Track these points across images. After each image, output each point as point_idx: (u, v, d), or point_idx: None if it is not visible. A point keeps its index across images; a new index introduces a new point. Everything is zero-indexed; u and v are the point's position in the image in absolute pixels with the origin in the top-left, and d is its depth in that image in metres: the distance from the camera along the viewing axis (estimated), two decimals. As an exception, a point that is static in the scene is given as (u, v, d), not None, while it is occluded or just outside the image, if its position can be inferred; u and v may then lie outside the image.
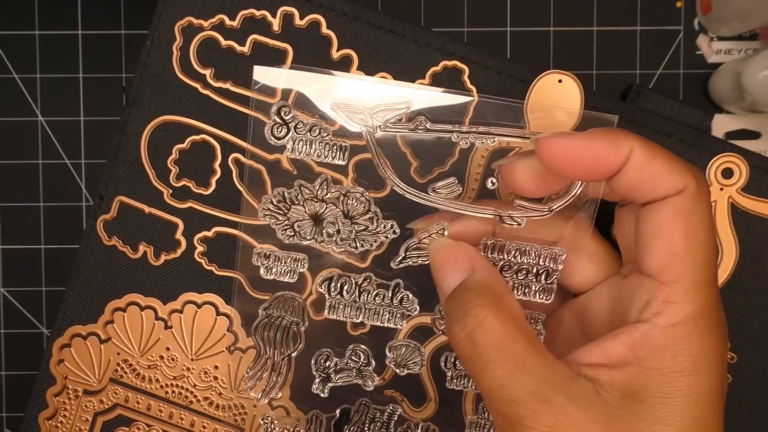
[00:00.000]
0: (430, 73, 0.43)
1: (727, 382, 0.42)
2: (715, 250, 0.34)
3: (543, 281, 0.40)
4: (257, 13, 0.43)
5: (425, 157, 0.43)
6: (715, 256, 0.34)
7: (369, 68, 0.43)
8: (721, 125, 0.61)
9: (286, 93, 0.43)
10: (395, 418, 0.44)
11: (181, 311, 0.45)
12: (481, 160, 0.43)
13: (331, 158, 0.42)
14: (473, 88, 0.43)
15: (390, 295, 0.43)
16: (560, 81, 0.42)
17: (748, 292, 0.42)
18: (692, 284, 0.32)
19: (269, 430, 0.45)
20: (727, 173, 0.42)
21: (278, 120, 0.42)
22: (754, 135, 0.61)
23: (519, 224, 0.39)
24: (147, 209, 0.44)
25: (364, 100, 0.42)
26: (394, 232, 0.42)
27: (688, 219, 0.33)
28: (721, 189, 0.42)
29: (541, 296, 0.40)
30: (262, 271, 0.43)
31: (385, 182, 0.42)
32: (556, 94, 0.42)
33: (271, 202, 0.43)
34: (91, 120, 0.61)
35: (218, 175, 0.44)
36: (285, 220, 0.43)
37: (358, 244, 0.43)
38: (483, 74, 0.42)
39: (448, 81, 0.43)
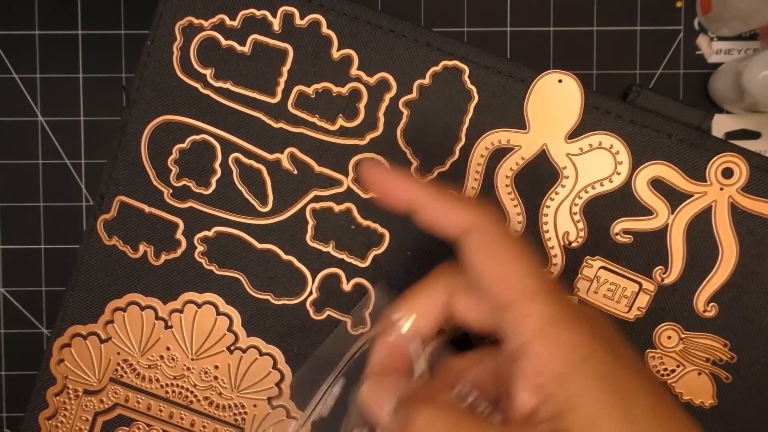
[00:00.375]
0: (430, 73, 0.43)
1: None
2: (530, 259, 0.34)
3: None
4: (257, 13, 0.43)
5: (425, 156, 0.43)
6: (535, 263, 0.34)
7: (369, 68, 0.43)
8: (721, 125, 0.61)
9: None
10: None
11: (181, 311, 0.45)
12: (480, 159, 0.43)
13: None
14: (473, 87, 0.43)
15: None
16: (560, 81, 0.42)
17: (749, 292, 0.42)
18: (525, 301, 0.33)
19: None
20: (727, 173, 0.42)
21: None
22: (754, 135, 0.61)
23: None
24: (147, 209, 0.44)
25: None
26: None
27: (493, 248, 0.34)
28: (722, 189, 0.42)
29: None
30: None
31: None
32: (557, 94, 0.42)
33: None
34: (91, 120, 0.61)
35: (218, 174, 0.44)
36: None
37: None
38: (483, 74, 0.43)
39: (448, 81, 0.43)
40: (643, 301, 0.43)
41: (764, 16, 0.57)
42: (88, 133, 0.61)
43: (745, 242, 0.42)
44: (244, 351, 0.45)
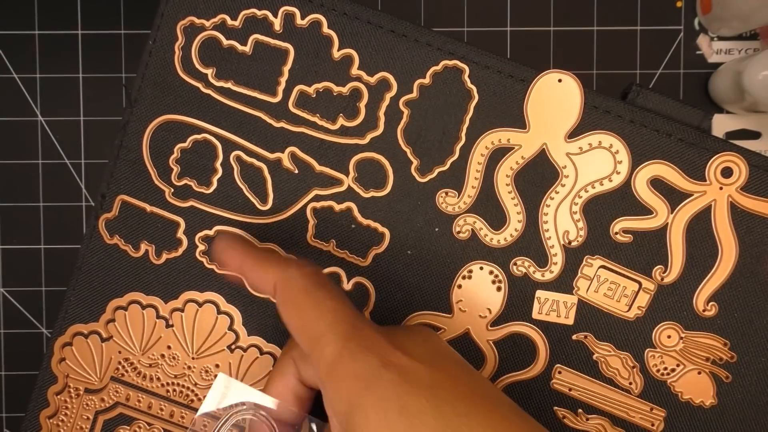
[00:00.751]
0: (430, 73, 0.43)
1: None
2: (327, 302, 0.35)
3: None
4: (259, 12, 0.43)
5: (426, 155, 0.43)
6: (334, 304, 0.35)
7: (370, 68, 0.43)
8: (721, 125, 0.62)
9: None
10: None
11: (182, 310, 0.45)
12: (481, 158, 0.43)
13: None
14: (474, 87, 0.43)
15: None
16: (560, 80, 0.42)
17: (748, 291, 0.43)
18: (318, 346, 0.34)
19: None
20: (727, 172, 0.42)
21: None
22: (754, 135, 0.62)
23: None
24: (149, 208, 0.45)
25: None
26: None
27: (292, 301, 0.36)
28: (721, 188, 0.42)
29: None
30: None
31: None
32: (556, 94, 0.42)
33: None
34: (91, 120, 0.61)
35: (220, 173, 0.44)
36: None
37: None
38: (483, 74, 0.43)
39: (448, 80, 0.43)
40: (643, 300, 0.43)
41: (764, 16, 0.57)
42: (88, 133, 0.62)
43: (744, 241, 0.42)
44: (244, 350, 0.45)
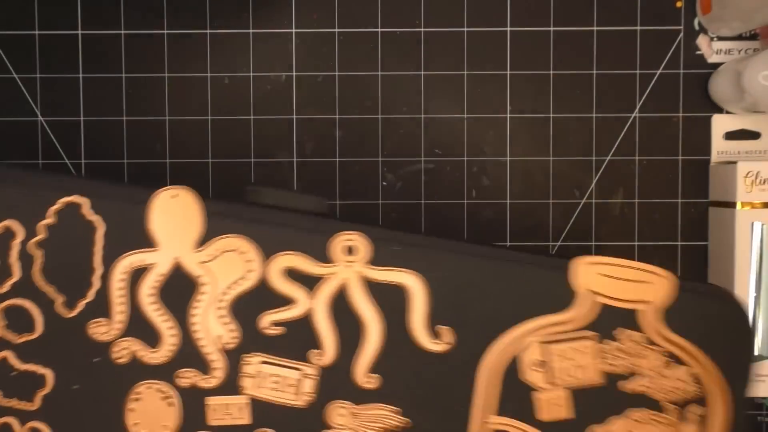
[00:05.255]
0: (52, 212, 0.45)
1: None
2: None
3: None
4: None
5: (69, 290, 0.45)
6: None
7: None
8: (721, 125, 0.62)
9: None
10: None
11: None
12: (121, 283, 0.45)
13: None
14: (97, 217, 0.45)
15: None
16: (175, 195, 0.44)
17: (404, 357, 0.45)
18: None
19: None
20: (351, 250, 0.45)
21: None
22: (754, 135, 0.62)
23: None
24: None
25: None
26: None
27: None
28: (349, 265, 0.44)
29: None
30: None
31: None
32: (175, 208, 0.45)
33: None
34: (91, 120, 0.64)
35: None
36: None
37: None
38: (103, 203, 0.45)
39: (71, 215, 0.45)
40: (308, 385, 0.45)
41: (764, 16, 0.58)
42: (88, 133, 0.64)
43: (386, 309, 0.45)
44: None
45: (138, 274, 0.45)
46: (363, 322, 0.45)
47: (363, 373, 0.45)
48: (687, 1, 0.62)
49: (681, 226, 0.63)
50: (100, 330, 0.45)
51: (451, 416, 0.45)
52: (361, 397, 0.45)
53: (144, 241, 0.45)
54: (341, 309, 0.45)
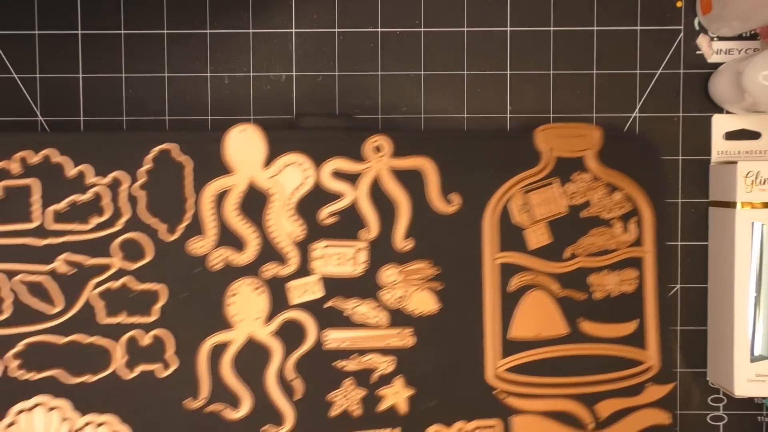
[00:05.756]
0: (148, 159, 0.56)
1: None
2: None
3: None
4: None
5: (169, 219, 0.55)
6: None
7: (102, 172, 0.54)
8: (721, 125, 0.62)
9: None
10: None
11: (15, 422, 0.53)
12: (209, 206, 0.56)
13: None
14: (185, 157, 0.56)
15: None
16: (243, 131, 0.56)
17: (427, 221, 0.57)
18: None
19: None
20: (378, 148, 0.57)
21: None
22: (754, 135, 0.62)
23: None
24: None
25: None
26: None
27: None
28: (379, 160, 0.57)
29: None
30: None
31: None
32: (244, 140, 0.56)
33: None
34: (91, 120, 0.63)
35: (11, 298, 0.53)
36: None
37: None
38: (187, 146, 0.56)
39: (164, 160, 0.56)
40: (363, 257, 0.57)
41: (764, 16, 0.57)
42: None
43: (410, 188, 0.57)
44: (81, 430, 0.54)
45: (222, 196, 0.56)
46: (395, 200, 0.57)
47: (401, 240, 0.57)
48: (687, 1, 0.62)
49: (681, 226, 0.64)
50: (197, 246, 0.56)
51: (469, 259, 0.58)
52: (402, 258, 0.57)
53: (223, 169, 0.56)
54: (378, 194, 0.57)
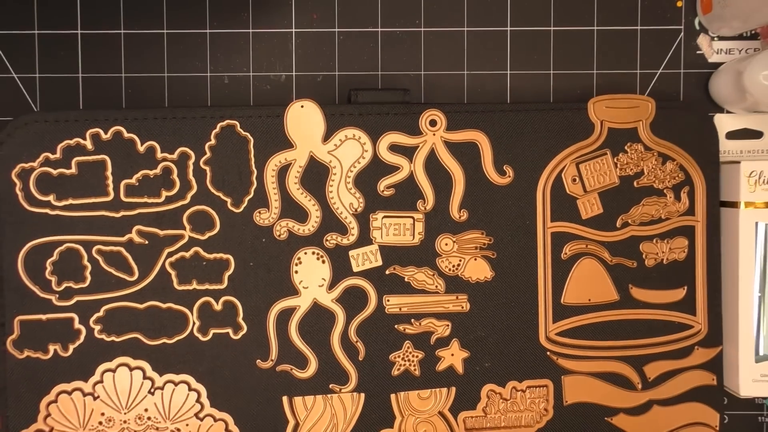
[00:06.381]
0: (213, 135, 0.58)
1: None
2: None
3: None
4: (71, 141, 0.56)
5: (234, 192, 0.59)
6: None
7: (170, 148, 0.57)
8: (722, 125, 0.62)
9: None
10: None
11: (101, 381, 0.57)
12: (272, 179, 0.59)
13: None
14: (247, 133, 0.58)
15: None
16: (302, 106, 0.58)
17: (481, 193, 0.59)
18: None
19: None
20: (433, 123, 0.59)
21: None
22: (755, 134, 0.63)
23: None
24: (44, 317, 0.57)
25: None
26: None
27: None
28: (434, 134, 0.59)
29: None
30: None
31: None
32: (304, 115, 0.58)
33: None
34: None
35: (90, 267, 0.57)
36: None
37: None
38: (249, 122, 0.58)
39: (228, 135, 0.58)
40: (419, 227, 0.59)
41: (764, 16, 0.58)
42: None
43: (463, 162, 0.59)
44: (162, 388, 0.57)
45: (284, 170, 0.58)
46: (450, 172, 0.59)
47: (456, 210, 0.59)
48: (687, 0, 0.63)
49: (681, 226, 0.63)
50: (262, 217, 0.58)
51: (523, 229, 0.60)
52: (457, 228, 0.59)
53: (285, 143, 0.58)
54: (433, 166, 0.59)
